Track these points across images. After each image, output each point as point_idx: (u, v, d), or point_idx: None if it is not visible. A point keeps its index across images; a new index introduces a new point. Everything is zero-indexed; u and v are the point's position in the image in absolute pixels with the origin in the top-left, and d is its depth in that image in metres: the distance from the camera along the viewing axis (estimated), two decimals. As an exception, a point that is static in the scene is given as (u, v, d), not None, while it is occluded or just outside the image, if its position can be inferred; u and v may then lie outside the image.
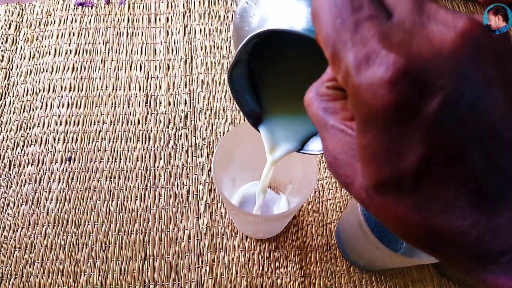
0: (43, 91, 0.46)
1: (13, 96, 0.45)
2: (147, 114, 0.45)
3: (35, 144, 0.43)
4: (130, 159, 0.42)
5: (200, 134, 0.44)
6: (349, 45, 0.11)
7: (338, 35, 0.11)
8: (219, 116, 0.45)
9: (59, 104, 0.45)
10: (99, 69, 0.47)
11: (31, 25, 0.50)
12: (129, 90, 0.46)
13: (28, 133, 0.43)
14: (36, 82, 0.46)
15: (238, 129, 0.32)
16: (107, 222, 0.40)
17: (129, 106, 0.45)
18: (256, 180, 0.40)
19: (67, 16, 0.50)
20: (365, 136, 0.12)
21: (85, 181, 0.41)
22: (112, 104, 0.45)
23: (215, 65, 0.47)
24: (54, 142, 0.43)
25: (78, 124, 0.44)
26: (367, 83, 0.11)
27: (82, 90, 0.46)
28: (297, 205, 0.29)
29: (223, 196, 0.29)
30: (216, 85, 0.46)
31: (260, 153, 0.36)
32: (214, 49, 0.48)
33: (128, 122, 0.44)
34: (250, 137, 0.34)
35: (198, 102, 0.45)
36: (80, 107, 0.45)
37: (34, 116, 0.44)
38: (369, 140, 0.12)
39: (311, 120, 0.14)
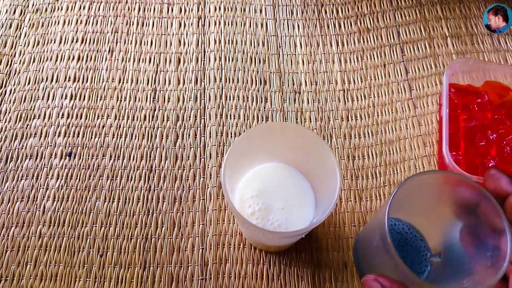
0: (46, 81, 0.43)
1: (14, 85, 0.43)
2: (155, 110, 0.42)
3: (34, 136, 0.40)
4: (134, 157, 0.39)
5: (210, 134, 0.41)
6: None
7: None
8: (231, 116, 0.42)
9: (62, 95, 0.42)
10: (106, 60, 0.44)
11: (37, 10, 0.47)
12: (137, 83, 0.43)
13: (27, 125, 0.41)
14: (39, 70, 0.44)
15: (254, 131, 0.29)
16: (106, 224, 0.37)
17: (135, 101, 0.42)
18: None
19: (75, 2, 0.47)
20: None
21: (85, 179, 0.38)
22: (117, 97, 0.42)
23: (229, 60, 0.44)
24: (55, 135, 0.40)
25: (80, 118, 0.41)
26: None
27: (87, 81, 0.43)
28: (321, 218, 0.26)
29: (232, 207, 0.26)
30: (229, 82, 0.43)
31: (274, 155, 0.33)
32: (228, 43, 0.45)
33: (134, 117, 0.41)
34: (266, 139, 0.31)
35: (209, 100, 0.42)
36: (83, 99, 0.42)
37: (35, 106, 0.42)
38: None
39: None
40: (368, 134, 0.41)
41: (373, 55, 0.45)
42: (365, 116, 0.42)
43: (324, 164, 0.28)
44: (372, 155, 0.40)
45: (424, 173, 0.27)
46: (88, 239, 0.36)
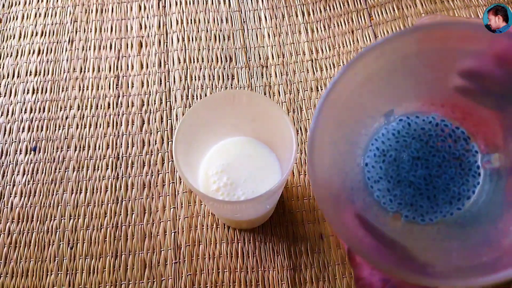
0: (7, 77, 0.42)
1: (-25, 84, 0.42)
2: (118, 96, 0.40)
3: (-2, 134, 0.39)
4: (99, 146, 0.38)
5: (177, 117, 0.39)
6: None
7: None
8: (197, 96, 0.40)
9: (24, 90, 0.41)
10: (66, 51, 0.43)
11: (-5, 7, 0.46)
12: (98, 71, 0.42)
13: (-10, 123, 0.40)
14: (0, 67, 0.42)
15: (200, 104, 0.28)
16: (75, 216, 0.36)
17: (98, 89, 0.41)
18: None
19: (33, -4, 0.46)
20: None
21: (51, 172, 0.38)
22: (80, 87, 0.41)
23: (192, 40, 0.43)
24: (19, 131, 0.39)
25: (43, 111, 0.40)
26: None
27: (48, 74, 0.42)
28: (279, 182, 0.25)
29: (188, 184, 0.25)
30: (194, 62, 0.42)
31: (237, 129, 0.31)
32: (191, 23, 0.44)
33: (97, 106, 0.40)
34: (220, 111, 0.29)
35: (174, 82, 0.41)
36: (46, 92, 0.41)
37: (-3, 104, 0.41)
38: None
39: None
40: (339, 102, 0.40)
41: (340, 22, 0.43)
42: (335, 84, 0.40)
43: (282, 129, 0.27)
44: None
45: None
46: (58, 232, 0.35)
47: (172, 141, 0.38)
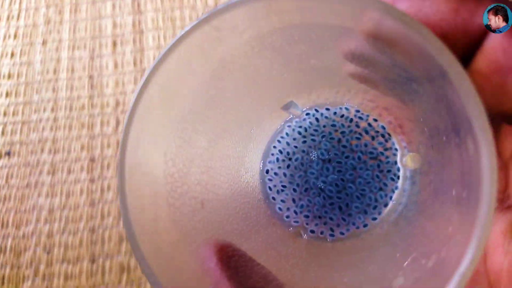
0: (-20, 81, 0.41)
1: None
2: (93, 97, 0.40)
3: (-29, 140, 0.39)
4: (74, 149, 0.38)
5: (154, 116, 0.39)
6: None
7: None
8: (173, 95, 0.40)
9: (-3, 94, 0.40)
10: (40, 52, 0.42)
11: (-33, 10, 0.45)
12: (72, 72, 0.41)
13: (-36, 129, 0.39)
14: (-27, 72, 0.42)
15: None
16: (51, 221, 0.35)
17: (72, 90, 0.40)
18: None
19: (5, -2, 0.45)
20: None
21: (25, 177, 0.37)
22: (53, 89, 0.40)
23: (168, 38, 0.42)
24: (-7, 136, 0.39)
25: (17, 114, 0.39)
26: None
27: (21, 76, 0.41)
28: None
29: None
30: (170, 60, 0.41)
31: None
32: (167, 20, 0.43)
33: (71, 108, 0.39)
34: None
35: (150, 81, 0.40)
36: (19, 95, 0.40)
37: (-30, 109, 0.40)
38: None
39: None
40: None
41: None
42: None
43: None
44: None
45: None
46: (34, 237, 0.35)
47: (148, 141, 0.38)
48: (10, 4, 0.45)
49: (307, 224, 0.15)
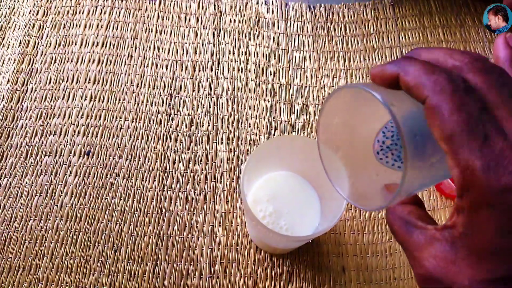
0: (66, 81, 0.45)
1: (35, 83, 0.45)
2: (170, 114, 0.44)
3: (54, 134, 0.42)
4: (149, 159, 0.42)
5: (222, 140, 0.43)
6: (478, 151, 0.14)
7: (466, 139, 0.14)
8: (242, 124, 0.44)
9: (81, 96, 0.44)
10: (125, 64, 0.46)
11: (59, 12, 0.49)
12: (154, 88, 0.45)
13: (47, 123, 0.43)
14: (60, 71, 0.46)
15: (270, 142, 0.31)
16: (121, 221, 0.39)
17: (152, 105, 0.44)
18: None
19: (97, 7, 0.49)
20: (483, 236, 0.14)
21: (102, 178, 0.40)
22: (135, 101, 0.44)
23: (241, 71, 0.47)
24: (74, 134, 0.42)
25: (99, 118, 0.43)
26: (498, 184, 0.13)
27: (106, 84, 0.45)
28: (329, 225, 0.28)
29: (248, 210, 0.29)
30: (241, 91, 0.45)
31: (284, 164, 0.35)
32: (242, 54, 0.48)
33: (150, 121, 0.43)
34: (278, 150, 0.33)
35: (222, 108, 0.45)
36: (103, 101, 0.44)
37: (55, 106, 0.44)
38: (487, 240, 0.14)
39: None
40: (370, 147, 0.44)
41: (378, 73, 0.48)
42: (368, 130, 0.44)
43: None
44: (373, 167, 0.43)
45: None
46: (104, 234, 0.38)
47: (215, 163, 0.42)
48: (100, 13, 0.49)
49: None
